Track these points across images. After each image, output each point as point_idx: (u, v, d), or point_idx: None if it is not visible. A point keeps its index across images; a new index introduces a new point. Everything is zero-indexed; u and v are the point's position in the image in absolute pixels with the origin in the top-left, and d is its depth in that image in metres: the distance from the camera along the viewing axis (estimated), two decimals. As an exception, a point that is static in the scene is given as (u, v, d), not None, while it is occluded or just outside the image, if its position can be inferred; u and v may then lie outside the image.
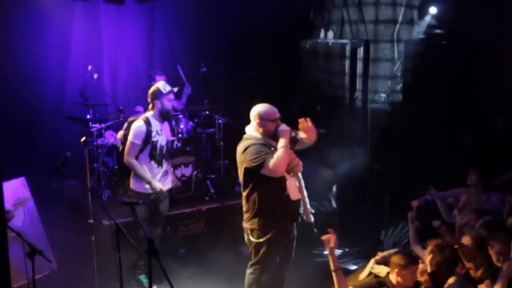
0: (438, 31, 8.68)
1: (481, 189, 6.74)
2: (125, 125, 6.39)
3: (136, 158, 6.09)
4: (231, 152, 8.97)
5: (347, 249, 7.46)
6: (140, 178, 6.08)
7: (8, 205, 5.77)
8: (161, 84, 6.24)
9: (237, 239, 7.37)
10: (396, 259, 4.71)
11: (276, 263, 5.28)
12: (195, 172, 8.25)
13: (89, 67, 8.24)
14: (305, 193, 5.22)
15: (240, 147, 5.11)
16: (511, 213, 6.10)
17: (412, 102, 8.95)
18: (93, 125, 8.16)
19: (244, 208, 5.23)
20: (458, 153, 8.54)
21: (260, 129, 5.09)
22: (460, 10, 8.39)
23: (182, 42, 10.02)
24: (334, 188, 8.77)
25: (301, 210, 5.23)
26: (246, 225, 5.22)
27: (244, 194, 5.19)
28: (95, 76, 8.24)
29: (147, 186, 6.09)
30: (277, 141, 5.04)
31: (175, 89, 6.34)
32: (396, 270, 4.67)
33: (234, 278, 6.67)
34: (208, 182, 8.49)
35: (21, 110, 8.79)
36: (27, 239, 4.71)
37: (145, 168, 6.11)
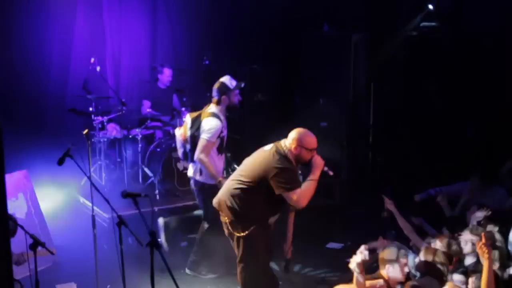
0: (440, 24, 8.68)
1: (487, 184, 6.73)
2: (189, 122, 6.35)
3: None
4: (232, 145, 9.04)
5: (348, 243, 7.45)
6: (210, 175, 6.16)
7: (11, 196, 5.78)
8: (227, 80, 6.29)
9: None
10: (384, 255, 4.68)
11: (262, 254, 5.25)
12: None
13: (92, 60, 8.23)
14: (292, 230, 5.35)
15: (275, 158, 5.01)
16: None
17: (413, 95, 8.95)
18: (95, 118, 8.15)
19: (231, 203, 5.16)
20: (460, 146, 8.55)
21: (294, 153, 5.03)
22: (460, 3, 8.39)
23: (185, 35, 10.00)
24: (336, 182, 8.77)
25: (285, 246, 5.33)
26: (225, 217, 5.22)
27: (239, 191, 5.13)
28: (98, 68, 8.23)
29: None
30: (307, 170, 5.06)
31: (242, 84, 6.37)
32: (385, 265, 4.65)
33: (235, 271, 6.68)
34: (210, 175, 8.48)
35: (24, 102, 8.77)
36: (29, 231, 4.72)
37: (214, 161, 6.22)
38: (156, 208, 7.49)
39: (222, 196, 5.29)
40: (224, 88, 6.21)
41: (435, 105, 8.90)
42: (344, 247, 7.40)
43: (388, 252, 4.70)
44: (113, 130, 8.40)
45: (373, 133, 8.80)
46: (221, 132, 6.19)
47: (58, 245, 6.49)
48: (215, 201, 5.39)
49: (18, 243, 4.85)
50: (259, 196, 5.07)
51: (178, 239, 7.31)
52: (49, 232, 6.60)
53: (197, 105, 8.99)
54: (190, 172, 6.40)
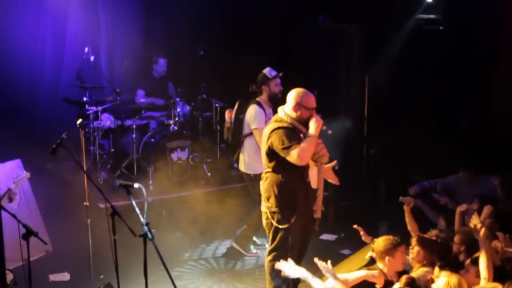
0: (435, 16, 8.68)
1: (478, 175, 6.76)
2: (236, 105, 6.63)
3: (243, 140, 6.45)
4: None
5: (342, 235, 7.47)
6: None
7: (4, 186, 5.76)
8: (267, 70, 6.48)
9: (233, 223, 7.40)
10: (378, 246, 4.66)
11: (295, 249, 5.14)
12: (191, 156, 8.24)
13: (86, 49, 8.19)
14: (322, 187, 5.18)
15: (268, 129, 5.04)
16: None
17: (409, 87, 8.96)
18: (89, 108, 8.11)
19: (263, 190, 5.13)
20: (454, 137, 8.58)
21: (294, 113, 5.01)
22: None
23: (180, 25, 9.96)
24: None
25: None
26: (265, 207, 5.11)
27: (264, 175, 5.14)
28: (92, 58, 8.19)
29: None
30: (307, 128, 4.98)
31: (280, 74, 6.54)
32: (381, 257, 4.62)
33: (229, 262, 6.70)
34: (204, 166, 8.49)
35: (17, 92, 8.72)
36: (22, 221, 4.70)
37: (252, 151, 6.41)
38: (149, 199, 7.49)
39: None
40: (263, 78, 6.43)
41: (429, 97, 8.91)
42: (338, 238, 7.41)
43: (382, 243, 4.66)
44: (107, 120, 8.37)
45: (367, 124, 8.79)
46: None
47: (52, 235, 6.48)
48: None
49: (11, 233, 4.83)
50: (281, 173, 5.00)
51: (171, 229, 7.33)
52: (42, 221, 6.59)
53: (192, 95, 9.01)
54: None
